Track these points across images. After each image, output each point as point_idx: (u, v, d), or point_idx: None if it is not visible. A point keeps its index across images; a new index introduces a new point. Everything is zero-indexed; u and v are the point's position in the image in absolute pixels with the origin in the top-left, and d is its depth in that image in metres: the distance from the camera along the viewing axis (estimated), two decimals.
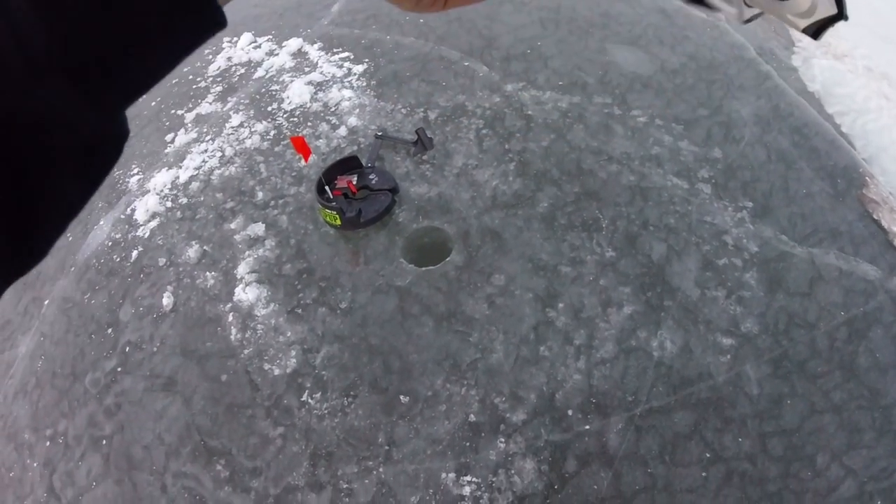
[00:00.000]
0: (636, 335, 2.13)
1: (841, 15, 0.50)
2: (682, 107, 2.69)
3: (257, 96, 3.06)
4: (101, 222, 2.74)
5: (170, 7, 0.30)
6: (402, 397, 2.07)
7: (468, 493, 1.91)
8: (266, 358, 2.18)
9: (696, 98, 2.73)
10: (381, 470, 1.97)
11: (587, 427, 1.99)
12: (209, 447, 2.07)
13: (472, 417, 2.02)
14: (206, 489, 2.01)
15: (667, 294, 2.20)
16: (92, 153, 0.30)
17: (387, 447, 2.00)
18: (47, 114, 0.27)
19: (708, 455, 1.95)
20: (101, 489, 2.08)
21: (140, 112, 3.27)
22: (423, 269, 2.30)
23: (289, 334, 2.22)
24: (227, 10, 0.34)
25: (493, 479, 1.93)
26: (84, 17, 0.27)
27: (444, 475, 1.94)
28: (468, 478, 1.94)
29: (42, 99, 0.27)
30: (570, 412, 2.01)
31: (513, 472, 1.94)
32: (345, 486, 1.96)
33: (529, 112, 2.74)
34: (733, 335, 2.12)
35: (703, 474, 1.93)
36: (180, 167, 2.81)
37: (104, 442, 2.14)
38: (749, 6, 0.55)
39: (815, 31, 0.52)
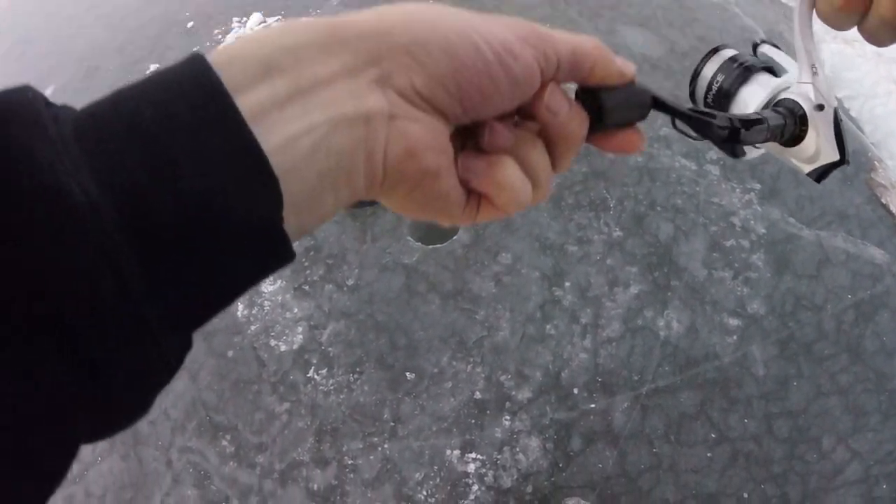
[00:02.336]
0: (642, 314, 2.13)
1: (843, 160, 0.53)
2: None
3: None
4: None
5: (261, 265, 0.30)
6: (407, 374, 2.07)
7: (473, 470, 1.92)
8: (272, 334, 2.19)
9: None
10: (386, 446, 1.98)
11: (593, 406, 1.99)
12: (215, 423, 2.08)
13: (478, 395, 2.02)
14: (212, 464, 2.02)
15: (673, 274, 2.20)
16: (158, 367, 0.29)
17: (392, 423, 2.00)
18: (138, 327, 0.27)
19: (713, 435, 1.95)
20: (106, 464, 2.09)
21: None
22: (430, 247, 2.30)
23: (295, 311, 2.22)
24: None
25: (498, 457, 1.94)
26: (185, 276, 0.27)
27: (448, 452, 1.95)
28: (473, 455, 1.94)
29: (134, 314, 0.26)
30: (575, 390, 2.01)
31: (518, 449, 1.94)
32: (350, 461, 1.97)
33: None
34: (740, 316, 2.12)
35: (709, 454, 1.93)
36: None
37: None
38: (757, 147, 0.57)
39: (819, 175, 0.56)
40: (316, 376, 2.09)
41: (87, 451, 2.11)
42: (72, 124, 0.27)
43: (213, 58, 0.30)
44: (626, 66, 0.40)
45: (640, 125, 0.42)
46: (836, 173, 0.55)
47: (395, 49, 0.34)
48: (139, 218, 0.26)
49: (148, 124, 0.27)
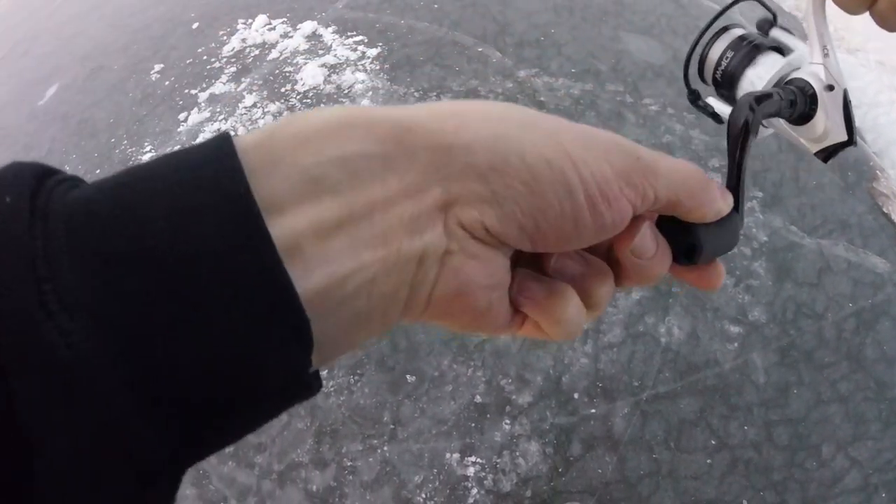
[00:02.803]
0: (644, 321, 2.13)
1: (851, 141, 0.53)
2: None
3: (271, 77, 3.06)
4: None
5: (280, 408, 0.27)
6: (408, 377, 2.07)
7: (472, 474, 1.92)
8: None
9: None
10: (385, 448, 1.98)
11: (593, 411, 1.99)
12: None
13: (478, 398, 2.02)
14: (210, 463, 2.02)
15: (675, 280, 2.20)
16: None
17: (392, 426, 2.00)
18: None
19: (713, 442, 1.95)
20: None
21: (154, 91, 3.28)
22: None
23: None
24: None
25: (498, 461, 1.93)
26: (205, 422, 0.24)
27: (448, 455, 1.95)
28: (472, 458, 1.94)
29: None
30: (576, 395, 2.01)
31: (517, 453, 1.94)
32: (349, 463, 1.96)
33: (542, 98, 2.74)
34: (741, 323, 2.12)
35: (708, 461, 1.93)
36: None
37: None
38: (765, 126, 0.57)
39: (826, 156, 0.55)
40: None
41: None
42: (63, 226, 0.22)
43: (248, 154, 0.25)
44: (726, 202, 0.35)
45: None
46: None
47: (470, 171, 0.28)
48: (147, 380, 0.21)
49: (163, 246, 0.22)
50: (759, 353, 2.07)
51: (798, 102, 0.53)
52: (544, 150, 0.29)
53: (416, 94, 2.82)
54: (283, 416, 2.04)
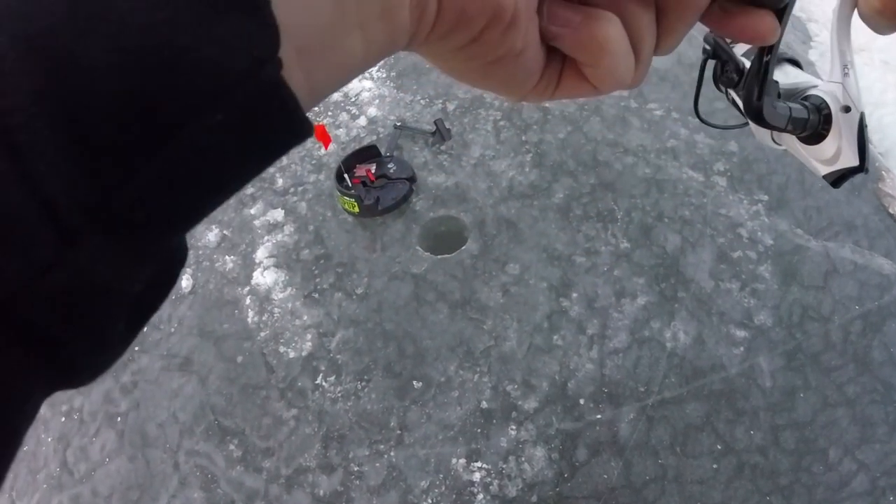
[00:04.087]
0: (649, 326, 2.13)
1: (863, 167, 0.52)
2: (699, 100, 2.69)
3: None
4: None
5: (258, 140, 0.20)
6: (415, 382, 2.08)
7: (478, 479, 1.92)
8: (282, 341, 2.20)
9: (713, 91, 2.71)
10: (392, 454, 1.98)
11: (598, 416, 2.00)
12: (223, 426, 2.09)
13: (484, 404, 2.03)
14: (219, 468, 2.03)
15: (681, 285, 2.20)
16: (141, 299, 0.21)
17: (399, 431, 2.01)
18: (82, 282, 0.18)
19: (719, 447, 1.95)
20: (114, 465, 2.10)
21: None
22: (439, 256, 2.32)
23: (305, 318, 2.24)
24: None
25: (504, 466, 1.94)
26: (134, 153, 0.18)
27: (454, 460, 1.96)
28: (478, 464, 1.95)
29: (74, 267, 0.18)
30: (581, 401, 2.02)
31: (523, 459, 1.95)
32: (356, 468, 1.97)
33: (546, 104, 2.75)
34: (747, 327, 2.12)
35: (714, 466, 1.92)
36: None
37: (119, 419, 2.17)
38: (777, 143, 0.56)
39: (835, 179, 0.54)
40: (324, 383, 2.11)
41: (95, 451, 2.13)
42: None
43: None
44: None
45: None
46: (844, 183, 0.54)
47: None
48: (56, 83, 0.16)
49: None
50: (766, 357, 2.07)
51: (811, 120, 0.52)
52: None
53: (422, 101, 2.84)
54: (291, 422, 2.05)
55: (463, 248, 2.33)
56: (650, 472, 1.92)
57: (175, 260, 0.21)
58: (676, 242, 2.29)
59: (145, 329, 2.29)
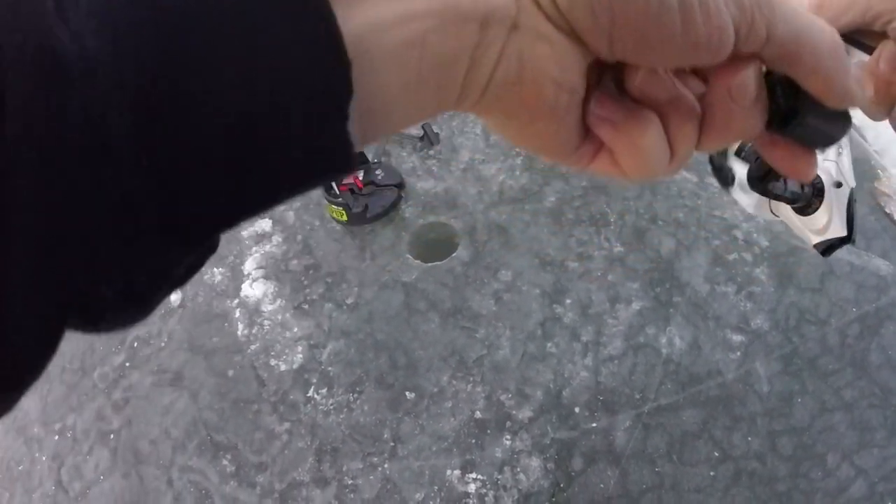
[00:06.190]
0: (644, 331, 2.11)
1: (850, 239, 0.56)
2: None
3: None
4: None
5: (311, 171, 0.23)
6: (407, 393, 2.06)
7: (473, 491, 1.91)
8: (272, 353, 2.18)
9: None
10: (386, 466, 1.97)
11: (594, 425, 1.98)
12: (215, 442, 2.07)
13: (478, 414, 2.01)
14: (212, 483, 2.02)
15: (676, 289, 2.18)
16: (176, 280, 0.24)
17: (392, 443, 2.00)
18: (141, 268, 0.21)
19: (716, 454, 1.93)
20: (108, 483, 2.09)
21: None
22: (430, 264, 2.29)
23: (295, 330, 2.22)
24: None
25: (499, 477, 1.92)
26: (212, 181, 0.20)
27: (449, 472, 1.94)
28: (473, 475, 1.93)
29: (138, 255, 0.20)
30: (576, 409, 2.00)
31: (518, 469, 1.93)
32: (349, 481, 1.96)
33: None
34: (743, 331, 2.10)
35: (712, 473, 1.91)
36: None
37: (112, 436, 2.15)
38: (775, 214, 0.61)
39: (824, 249, 0.58)
40: (316, 396, 2.09)
41: (89, 469, 2.12)
42: None
43: None
44: (853, 91, 0.28)
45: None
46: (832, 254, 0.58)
47: None
48: (145, 92, 0.19)
49: None
50: (762, 362, 2.05)
51: (806, 192, 0.56)
52: None
53: None
54: (284, 435, 2.04)
55: (454, 254, 2.30)
56: (647, 480, 1.91)
57: (211, 248, 0.24)
58: (671, 245, 2.27)
59: (135, 344, 2.26)
